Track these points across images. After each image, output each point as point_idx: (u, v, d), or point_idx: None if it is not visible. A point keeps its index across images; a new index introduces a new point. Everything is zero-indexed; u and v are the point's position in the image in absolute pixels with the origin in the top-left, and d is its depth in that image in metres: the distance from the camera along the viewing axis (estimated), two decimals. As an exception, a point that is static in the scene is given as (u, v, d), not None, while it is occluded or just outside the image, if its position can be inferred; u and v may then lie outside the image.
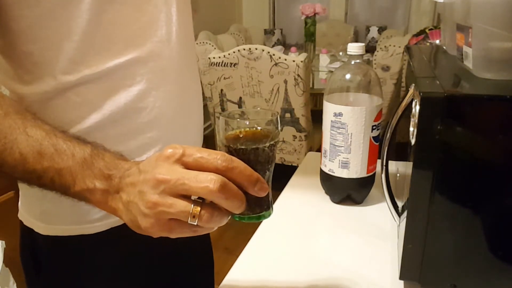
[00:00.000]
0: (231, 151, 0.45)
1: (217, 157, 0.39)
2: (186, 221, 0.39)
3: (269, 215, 0.47)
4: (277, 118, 0.47)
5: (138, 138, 0.60)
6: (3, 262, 1.30)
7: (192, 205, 0.39)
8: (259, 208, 0.46)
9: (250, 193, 0.41)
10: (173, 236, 0.41)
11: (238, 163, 0.40)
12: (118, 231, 0.61)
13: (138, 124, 0.59)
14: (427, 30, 2.15)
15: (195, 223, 0.39)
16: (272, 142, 0.46)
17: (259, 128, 0.47)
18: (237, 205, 0.40)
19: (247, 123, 0.48)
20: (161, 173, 0.39)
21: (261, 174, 0.42)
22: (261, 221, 0.46)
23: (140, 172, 0.41)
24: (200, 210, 0.39)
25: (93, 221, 0.60)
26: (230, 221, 0.44)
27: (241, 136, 0.46)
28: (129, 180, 0.42)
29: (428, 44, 1.92)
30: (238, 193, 0.40)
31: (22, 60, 0.54)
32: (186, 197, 0.39)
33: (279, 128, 0.48)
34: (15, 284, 1.34)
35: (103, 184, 0.43)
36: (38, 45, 0.53)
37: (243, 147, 0.45)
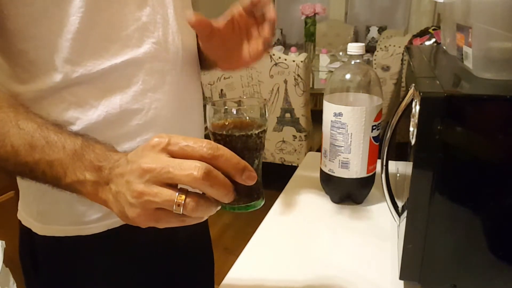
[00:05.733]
0: (218, 139, 0.45)
1: (203, 145, 0.39)
2: (172, 210, 0.39)
3: (260, 204, 0.46)
4: (264, 105, 0.47)
5: (135, 140, 0.59)
6: (3, 262, 1.30)
7: (177, 194, 0.38)
8: (248, 197, 0.45)
9: (238, 181, 0.41)
10: (160, 226, 0.41)
11: (224, 151, 0.39)
12: (116, 233, 0.61)
13: (134, 125, 0.59)
14: (431, 30, 2.13)
15: (180, 212, 0.39)
16: (259, 130, 0.45)
17: (246, 115, 0.47)
18: (223, 193, 0.40)
19: (234, 110, 0.47)
20: (147, 162, 0.39)
21: (249, 162, 0.42)
22: (250, 211, 0.46)
23: (128, 162, 0.41)
24: (185, 199, 0.38)
25: (89, 222, 0.60)
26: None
27: (227, 123, 0.46)
28: (118, 171, 0.42)
29: (435, 44, 1.91)
30: (224, 181, 0.39)
31: (18, 59, 0.54)
32: (172, 186, 0.39)
33: (267, 116, 0.47)
34: (15, 284, 1.34)
35: (93, 176, 0.43)
36: (33, 43, 0.53)
37: (230, 134, 0.44)
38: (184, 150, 0.39)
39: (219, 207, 0.43)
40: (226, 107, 0.49)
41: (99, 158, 0.44)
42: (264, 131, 0.47)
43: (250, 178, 0.41)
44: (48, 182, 0.46)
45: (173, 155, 0.39)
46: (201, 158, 0.39)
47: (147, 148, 0.40)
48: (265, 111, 0.47)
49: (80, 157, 0.44)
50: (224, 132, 0.45)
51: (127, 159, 0.42)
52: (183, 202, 0.38)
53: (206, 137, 0.49)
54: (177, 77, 0.63)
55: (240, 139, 0.45)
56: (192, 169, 0.37)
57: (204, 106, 0.68)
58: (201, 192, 0.40)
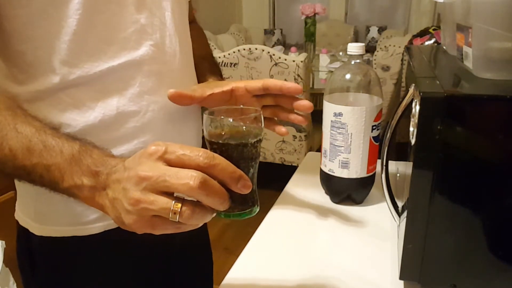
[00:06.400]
0: (214, 148, 0.46)
1: (199, 154, 0.39)
2: (168, 217, 0.39)
3: (255, 212, 0.47)
4: (260, 115, 0.48)
5: (132, 142, 0.59)
6: (3, 262, 1.30)
7: (173, 202, 0.39)
8: (243, 205, 0.46)
9: (233, 190, 0.41)
10: (156, 232, 0.42)
11: (220, 160, 0.40)
12: (113, 233, 0.60)
13: (131, 128, 0.59)
14: (431, 30, 2.13)
15: (176, 220, 0.39)
16: (255, 139, 0.46)
17: (242, 125, 0.47)
18: (218, 202, 0.40)
19: (231, 120, 0.48)
20: (144, 170, 0.39)
21: (245, 171, 0.42)
22: (245, 218, 0.47)
23: (125, 169, 0.42)
24: (181, 207, 0.39)
25: (87, 222, 0.60)
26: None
27: (224, 133, 0.46)
28: (115, 177, 0.42)
29: (435, 44, 1.90)
30: (219, 190, 0.40)
31: (15, 60, 0.54)
32: (168, 194, 0.40)
33: (263, 125, 0.48)
34: (15, 284, 1.34)
35: (90, 181, 0.44)
36: (31, 45, 0.53)
37: (226, 143, 0.45)
38: (180, 159, 0.40)
39: (214, 214, 0.43)
40: (222, 116, 0.49)
41: (96, 163, 0.44)
42: (260, 141, 0.47)
43: (245, 187, 0.41)
44: (46, 186, 0.46)
45: (170, 163, 0.40)
46: (197, 167, 0.39)
47: (144, 156, 0.41)
48: (261, 121, 0.48)
49: (78, 162, 0.44)
50: (220, 142, 0.45)
51: (124, 165, 0.42)
52: (179, 210, 0.39)
53: (203, 139, 0.49)
54: (174, 80, 0.63)
55: (236, 149, 0.45)
56: (189, 178, 0.38)
57: (202, 109, 0.68)
58: (196, 200, 0.40)
